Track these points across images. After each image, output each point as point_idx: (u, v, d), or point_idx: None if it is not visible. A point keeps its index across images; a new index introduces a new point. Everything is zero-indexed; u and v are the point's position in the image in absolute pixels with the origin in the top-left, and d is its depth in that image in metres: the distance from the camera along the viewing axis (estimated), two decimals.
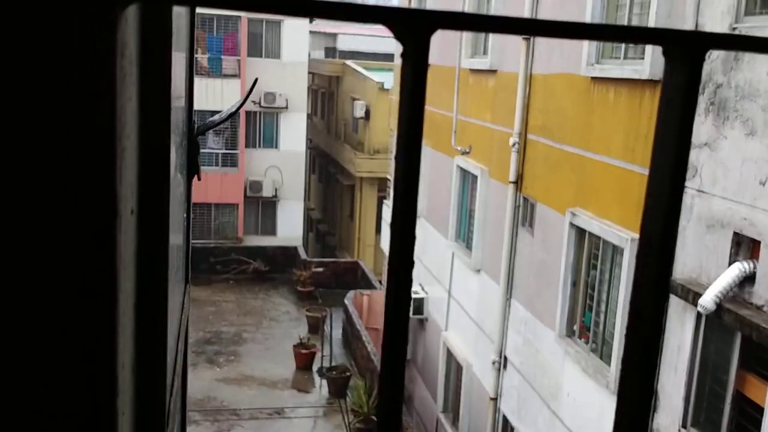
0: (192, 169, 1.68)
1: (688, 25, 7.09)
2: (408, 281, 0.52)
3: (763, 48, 0.65)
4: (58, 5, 0.46)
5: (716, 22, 6.75)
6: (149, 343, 0.79)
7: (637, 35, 0.63)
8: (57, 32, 0.46)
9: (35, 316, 0.49)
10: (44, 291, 0.49)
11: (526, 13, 10.55)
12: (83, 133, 0.47)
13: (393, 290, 0.51)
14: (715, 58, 6.78)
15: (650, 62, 7.65)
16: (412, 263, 0.53)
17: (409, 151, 0.56)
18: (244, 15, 26.16)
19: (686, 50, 0.56)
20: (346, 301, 20.06)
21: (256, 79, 3.11)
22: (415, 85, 0.55)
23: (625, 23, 8.44)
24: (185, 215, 1.74)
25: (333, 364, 17.97)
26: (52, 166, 0.47)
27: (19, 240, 0.48)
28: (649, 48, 7.71)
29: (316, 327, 19.99)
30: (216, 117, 2.38)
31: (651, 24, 7.67)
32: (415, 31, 0.54)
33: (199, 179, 1.80)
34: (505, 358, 11.37)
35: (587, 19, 8.90)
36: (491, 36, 11.97)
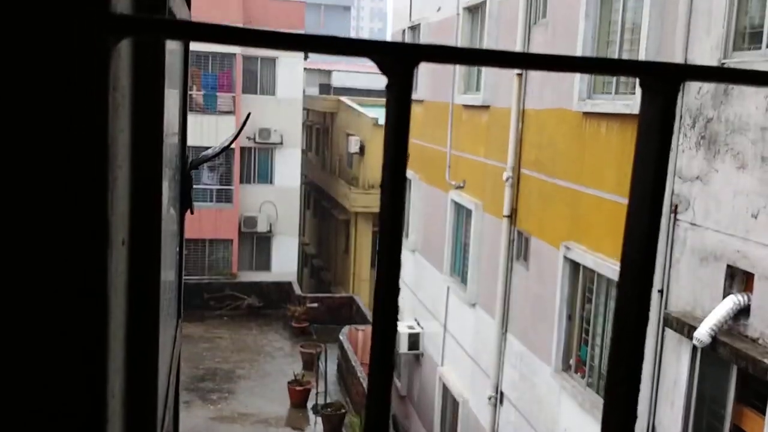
0: (185, 203, 1.69)
1: (678, 61, 7.19)
2: (395, 305, 0.53)
3: (736, 79, 0.66)
4: (51, 38, 0.47)
5: (705, 58, 6.85)
6: (140, 374, 0.79)
7: (613, 67, 0.64)
8: (49, 64, 0.47)
9: (23, 341, 0.49)
10: (34, 317, 0.49)
11: (518, 50, 10.70)
12: (76, 163, 0.48)
13: (380, 315, 0.52)
14: (705, 93, 6.87)
15: (640, 95, 7.73)
16: (398, 289, 0.54)
17: (395, 180, 0.57)
18: (239, 52, 26.41)
19: (661, 81, 0.58)
20: (341, 337, 19.93)
21: (248, 114, 3.14)
22: (399, 115, 0.57)
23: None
24: (178, 249, 1.74)
25: (328, 401, 17.79)
26: (45, 193, 0.48)
27: (8, 268, 0.49)
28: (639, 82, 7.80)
29: (310, 363, 19.82)
30: (209, 151, 2.40)
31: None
32: (398, 63, 0.56)
33: (191, 213, 1.81)
34: (502, 393, 11.29)
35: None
36: (484, 72, 12.11)
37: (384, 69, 0.57)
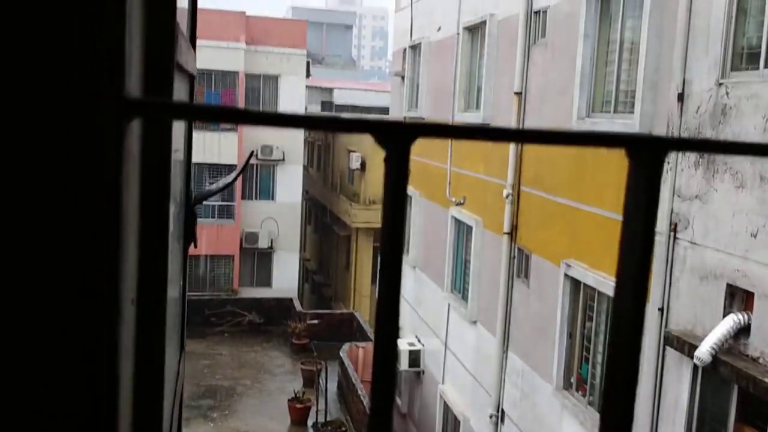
0: (188, 238, 1.72)
1: (676, 81, 7.24)
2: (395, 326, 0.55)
3: (720, 149, 0.69)
4: (68, 120, 0.50)
5: (703, 78, 6.91)
6: (145, 422, 0.82)
7: (599, 140, 0.67)
8: (65, 145, 0.50)
9: (33, 412, 0.51)
10: (45, 384, 0.52)
11: (517, 69, 10.76)
12: (89, 233, 0.51)
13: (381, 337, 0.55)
14: (703, 112, 6.92)
15: (640, 116, 7.79)
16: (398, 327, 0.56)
17: (392, 242, 0.60)
18: (242, 69, 26.54)
19: (646, 152, 0.61)
20: (341, 354, 19.88)
21: (252, 152, 3.18)
22: (397, 189, 0.60)
23: (614, 79, 8.61)
24: (181, 283, 1.77)
25: (328, 418, 17.73)
26: (62, 267, 0.51)
27: (23, 336, 0.51)
28: (638, 101, 7.86)
29: (311, 380, 19.76)
30: (213, 186, 2.44)
31: (640, 79, 7.83)
32: (396, 140, 0.58)
33: (195, 247, 1.83)
34: (503, 411, 11.26)
35: (577, 74, 9.09)
36: (484, 90, 12.18)
37: (383, 144, 0.59)
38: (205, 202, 26.82)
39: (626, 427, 0.61)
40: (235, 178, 2.62)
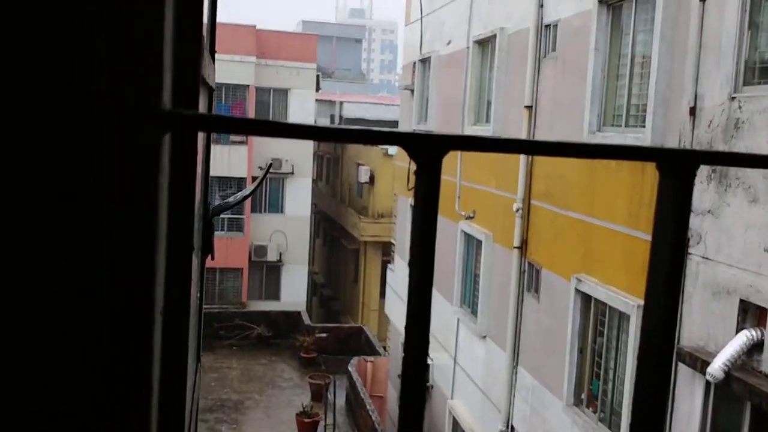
0: (206, 250, 1.72)
1: (688, 95, 7.23)
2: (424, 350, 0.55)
3: (749, 163, 0.68)
4: (109, 133, 0.51)
5: (715, 92, 6.89)
6: (167, 425, 0.82)
7: (631, 153, 0.67)
8: (106, 157, 0.51)
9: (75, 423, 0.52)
10: (81, 397, 0.52)
11: (527, 83, 10.77)
12: (126, 243, 0.52)
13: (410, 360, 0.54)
14: (716, 126, 6.90)
15: (651, 129, 7.77)
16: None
17: (423, 260, 0.60)
18: (252, 84, 26.69)
19: (677, 166, 0.61)
20: (349, 368, 19.82)
21: (270, 163, 3.19)
22: (428, 201, 0.60)
23: (625, 93, 8.60)
24: (199, 295, 1.78)
25: None
26: (102, 278, 0.51)
27: (60, 352, 0.52)
28: (650, 115, 7.85)
29: (319, 395, 19.71)
30: (231, 199, 2.44)
31: (651, 93, 7.82)
32: (429, 152, 0.59)
33: (212, 259, 1.84)
34: (512, 427, 11.18)
35: (588, 87, 9.08)
36: (494, 103, 12.19)
37: (415, 157, 0.60)
38: None
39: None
40: (254, 190, 2.63)
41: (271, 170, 27.31)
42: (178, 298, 0.80)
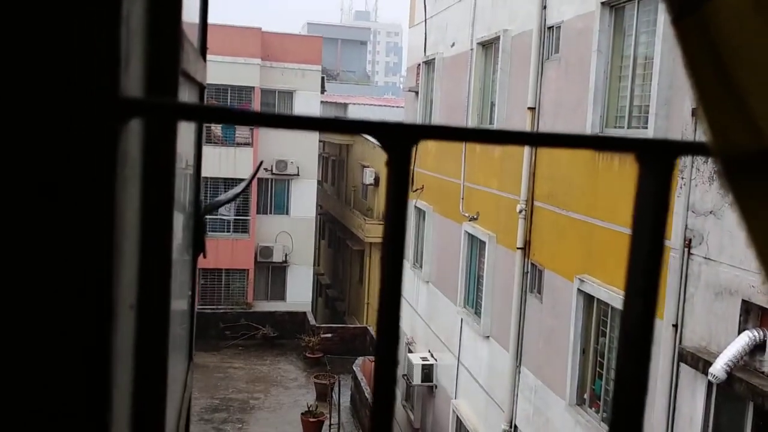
0: (198, 248, 1.72)
1: (690, 96, 7.21)
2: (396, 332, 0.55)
3: None
4: (61, 121, 0.50)
5: None
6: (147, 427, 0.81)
7: (610, 144, 0.67)
8: (60, 146, 0.50)
9: (30, 402, 0.51)
10: (33, 388, 0.51)
11: (531, 84, 10.76)
12: (83, 241, 0.51)
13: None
14: None
15: (653, 129, 7.76)
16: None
17: (394, 251, 0.59)
18: (257, 86, 26.72)
19: (657, 157, 0.60)
20: (354, 368, 19.84)
21: (261, 162, 3.19)
22: (399, 191, 0.60)
23: (628, 94, 8.58)
24: (190, 293, 1.77)
25: None
26: (55, 268, 0.51)
27: (18, 336, 0.51)
28: (652, 116, 7.83)
29: (324, 394, 19.72)
30: (222, 197, 2.44)
31: (653, 94, 7.80)
32: (399, 142, 0.58)
33: (204, 257, 1.84)
34: (515, 427, 11.17)
35: (591, 89, 9.07)
36: (497, 105, 12.19)
37: (385, 147, 0.59)
38: (220, 216, 26.96)
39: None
40: (245, 188, 2.63)
41: (276, 171, 27.34)
42: (156, 294, 0.80)
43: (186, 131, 1.49)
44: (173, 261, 1.02)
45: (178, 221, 1.37)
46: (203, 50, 1.66)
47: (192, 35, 1.43)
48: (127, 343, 0.68)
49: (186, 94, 1.20)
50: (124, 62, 0.52)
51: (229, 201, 2.52)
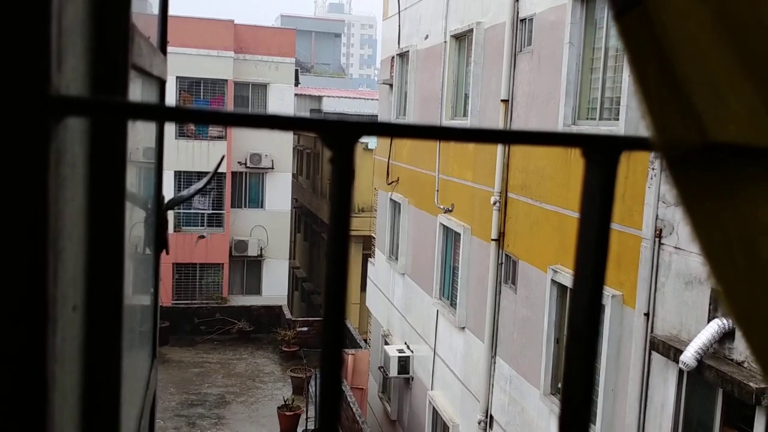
0: (160, 244, 1.70)
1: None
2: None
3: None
4: None
5: None
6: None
7: (556, 139, 0.67)
8: None
9: None
10: None
11: (504, 77, 10.80)
12: (10, 243, 0.49)
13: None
14: None
15: (624, 122, 7.82)
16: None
17: (338, 246, 0.59)
18: (230, 79, 26.54)
19: (602, 152, 0.60)
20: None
21: (222, 157, 3.17)
22: (342, 187, 0.59)
23: (599, 86, 8.65)
24: (153, 290, 1.75)
25: (318, 426, 17.64)
26: None
27: None
28: (623, 108, 7.90)
29: (300, 388, 19.71)
30: (185, 192, 2.42)
31: (625, 86, 7.86)
32: (340, 138, 0.58)
33: (167, 254, 1.82)
34: (491, 417, 11.25)
35: (563, 81, 9.12)
36: (471, 97, 12.21)
37: (327, 144, 0.59)
38: (194, 211, 26.76)
39: (583, 417, 0.60)
40: (207, 183, 2.61)
41: (250, 165, 27.19)
42: (106, 294, 0.78)
43: (146, 126, 1.47)
44: (130, 257, 1.01)
45: (137, 217, 1.35)
46: (163, 43, 1.63)
47: (150, 28, 1.40)
48: (71, 345, 0.67)
49: (140, 90, 1.18)
50: (57, 59, 0.51)
51: (191, 196, 2.50)
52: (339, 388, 0.56)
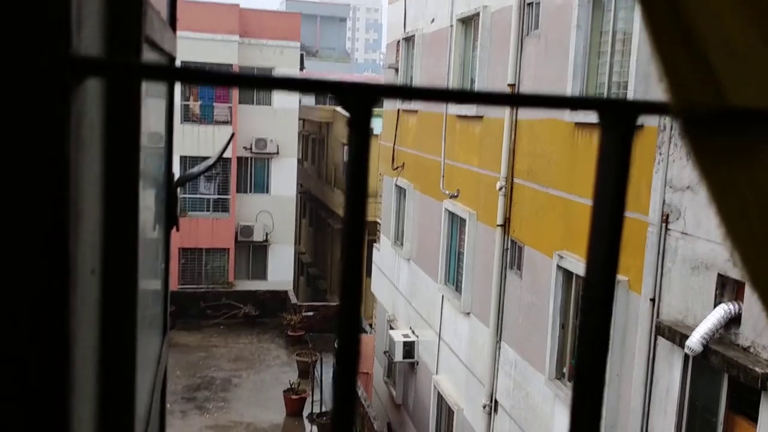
0: (170, 221, 1.71)
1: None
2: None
3: None
4: (10, 80, 0.49)
5: None
6: (115, 398, 0.81)
7: (572, 103, 0.67)
8: (9, 106, 0.49)
9: None
10: None
11: (510, 61, 10.75)
12: (33, 203, 0.50)
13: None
14: None
15: None
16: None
17: (355, 211, 0.59)
18: (235, 63, 26.49)
19: (619, 117, 0.60)
20: (336, 346, 19.90)
21: (232, 134, 3.18)
22: (359, 149, 0.59)
23: (607, 70, 8.60)
24: (163, 265, 1.76)
25: (323, 409, 17.78)
26: (9, 229, 0.50)
27: None
28: (630, 91, 7.86)
29: (306, 372, 19.81)
30: (195, 169, 2.43)
31: (632, 70, 7.82)
32: (358, 101, 0.58)
33: (177, 230, 1.83)
34: (496, 401, 11.29)
35: (570, 65, 9.08)
36: (477, 81, 12.17)
37: (346, 106, 0.59)
38: (200, 196, 26.80)
39: (597, 402, 0.60)
40: (217, 160, 2.61)
41: (256, 150, 27.18)
42: (121, 260, 0.79)
43: (156, 104, 1.48)
44: (142, 228, 1.01)
45: (149, 192, 1.36)
46: (172, 22, 1.63)
47: (160, 6, 1.40)
48: (89, 308, 0.67)
49: (152, 60, 1.18)
50: (77, 22, 0.51)
51: (201, 173, 2.51)
52: (355, 368, 0.56)
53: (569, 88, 9.12)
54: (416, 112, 15.33)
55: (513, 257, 10.87)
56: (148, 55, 1.04)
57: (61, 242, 0.49)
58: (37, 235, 0.49)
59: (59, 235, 0.49)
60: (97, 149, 0.67)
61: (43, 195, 0.49)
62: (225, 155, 25.84)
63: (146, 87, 1.04)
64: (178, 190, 1.81)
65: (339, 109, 30.94)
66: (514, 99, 0.67)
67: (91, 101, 0.63)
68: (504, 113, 10.91)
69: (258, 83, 0.57)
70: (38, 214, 0.49)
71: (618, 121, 0.61)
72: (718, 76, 0.52)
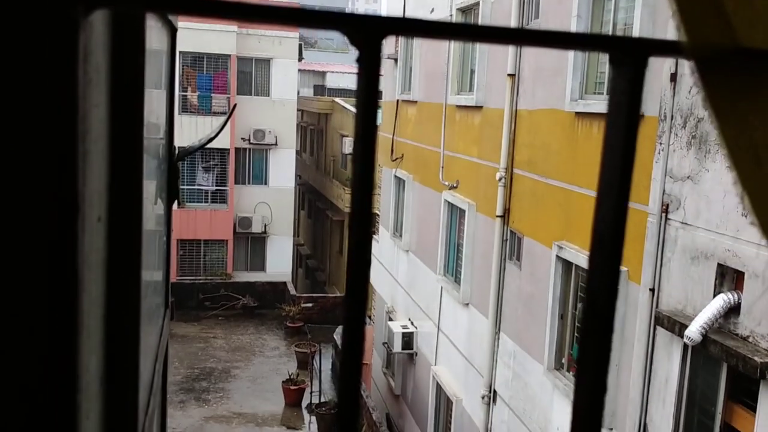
0: (172, 194, 1.70)
1: (669, 61, 7.22)
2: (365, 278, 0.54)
3: None
4: (15, 12, 0.48)
5: None
6: (120, 352, 0.80)
7: (581, 41, 0.65)
8: (14, 37, 0.48)
9: None
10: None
11: (510, 51, 10.72)
12: (42, 136, 0.49)
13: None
14: (695, 93, 6.91)
15: None
16: (368, 263, 0.55)
17: (365, 155, 0.58)
18: (233, 54, 26.41)
19: (629, 55, 0.59)
20: (335, 337, 19.96)
21: (234, 105, 3.16)
22: (368, 86, 0.58)
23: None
24: (165, 239, 1.75)
25: (322, 400, 17.81)
26: (9, 166, 0.49)
27: None
28: None
29: (305, 363, 19.83)
30: (196, 142, 2.41)
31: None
32: (367, 35, 0.56)
33: (179, 205, 1.82)
34: (495, 392, 11.31)
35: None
36: (477, 73, 12.14)
37: (354, 41, 0.57)
38: (198, 187, 26.76)
39: (600, 391, 0.59)
40: (217, 134, 2.60)
41: (254, 141, 27.13)
42: (126, 207, 0.78)
43: (157, 94, 1.46)
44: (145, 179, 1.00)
45: (152, 164, 1.35)
46: None
47: None
48: (96, 256, 0.66)
49: (158, 34, 1.17)
50: None
51: (202, 146, 2.50)
52: (360, 356, 0.55)
53: (569, 79, 9.10)
54: (415, 102, 15.31)
55: (512, 248, 10.87)
56: (151, 25, 1.02)
57: (70, 180, 0.48)
58: (45, 168, 0.48)
59: (68, 168, 0.48)
60: (103, 92, 0.66)
61: (53, 126, 0.48)
62: (223, 146, 25.81)
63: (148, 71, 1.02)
64: (179, 165, 1.80)
65: (337, 99, 30.77)
66: (522, 34, 0.65)
67: (97, 41, 0.62)
68: (504, 103, 10.88)
69: (260, 14, 0.55)
70: (47, 145, 0.48)
71: (630, 58, 0.59)
72: (730, 13, 0.51)
